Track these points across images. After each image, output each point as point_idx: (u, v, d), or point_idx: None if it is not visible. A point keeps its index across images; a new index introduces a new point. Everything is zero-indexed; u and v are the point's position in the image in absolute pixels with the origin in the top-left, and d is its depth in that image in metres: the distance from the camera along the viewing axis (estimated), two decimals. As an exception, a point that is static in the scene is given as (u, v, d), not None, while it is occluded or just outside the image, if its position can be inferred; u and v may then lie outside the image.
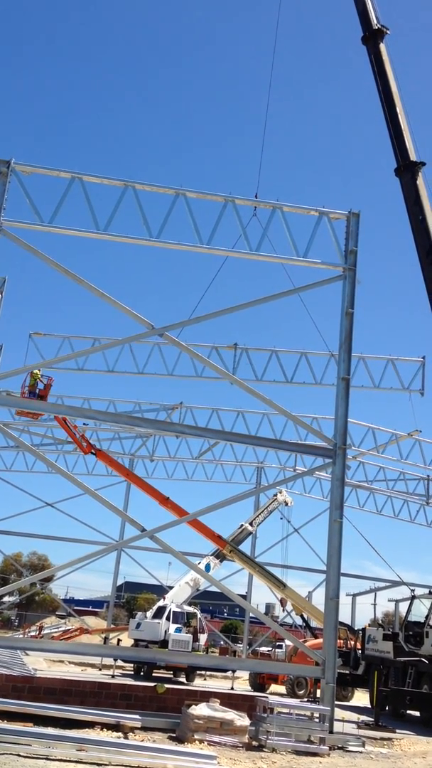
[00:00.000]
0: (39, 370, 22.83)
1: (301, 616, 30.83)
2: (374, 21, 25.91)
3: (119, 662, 28.43)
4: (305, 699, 25.30)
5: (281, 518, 32.98)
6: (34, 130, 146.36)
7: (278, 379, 26.88)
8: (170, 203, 18.30)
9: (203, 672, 30.42)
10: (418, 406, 27.74)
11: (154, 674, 26.49)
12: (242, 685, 29.08)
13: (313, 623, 30.31)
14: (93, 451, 26.99)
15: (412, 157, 24.54)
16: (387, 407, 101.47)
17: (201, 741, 13.41)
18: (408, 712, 23.91)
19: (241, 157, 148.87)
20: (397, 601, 36.52)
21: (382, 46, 25.74)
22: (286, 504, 32.72)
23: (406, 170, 24.44)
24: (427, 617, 24.56)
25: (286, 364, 26.80)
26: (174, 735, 14.00)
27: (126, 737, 13.19)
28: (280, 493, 32.09)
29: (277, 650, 32.13)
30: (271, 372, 26.81)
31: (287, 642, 28.32)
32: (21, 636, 40.97)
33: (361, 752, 15.09)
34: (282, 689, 28.37)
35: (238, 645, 40.62)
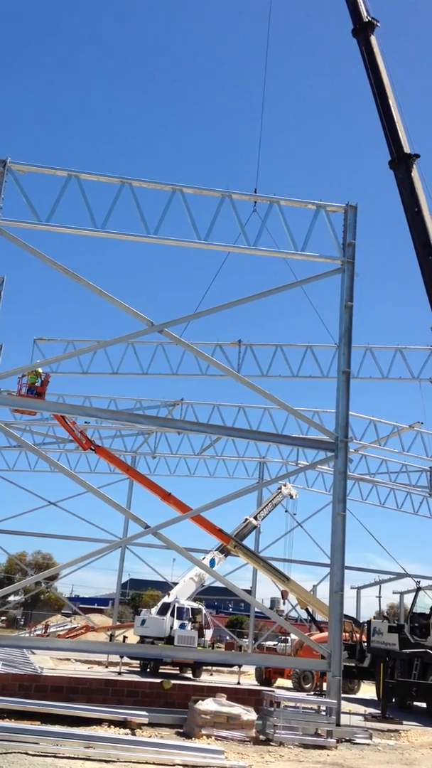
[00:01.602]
0: (41, 369, 22.81)
1: (306, 610, 30.89)
2: (364, 14, 25.81)
3: (125, 659, 28.53)
4: (312, 692, 25.36)
5: (286, 511, 33.03)
6: (29, 129, 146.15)
7: (284, 373, 26.83)
8: (167, 200, 18.26)
9: (209, 667, 30.50)
10: (426, 395, 27.49)
11: (160, 670, 26.58)
12: (248, 679, 29.16)
13: (318, 617, 30.38)
14: (92, 447, 26.99)
15: (406, 149, 24.38)
16: (392, 399, 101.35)
17: (208, 736, 13.43)
18: (414, 703, 23.94)
19: (237, 153, 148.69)
20: (401, 593, 36.57)
21: (373, 39, 25.59)
22: (291, 497, 32.73)
23: (400, 162, 24.30)
24: (431, 609, 24.58)
25: (291, 358, 26.76)
26: (181, 730, 14.03)
27: (133, 733, 13.22)
28: (285, 486, 32.11)
29: (283, 644, 32.17)
30: (276, 367, 26.77)
31: (293, 636, 28.39)
32: (27, 635, 41.08)
33: (368, 744, 15.11)
34: (288, 683, 28.41)
35: (244, 640, 40.67)
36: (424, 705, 23.12)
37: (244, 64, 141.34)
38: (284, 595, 29.99)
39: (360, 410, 30.71)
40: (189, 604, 29.29)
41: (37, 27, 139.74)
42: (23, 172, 17.92)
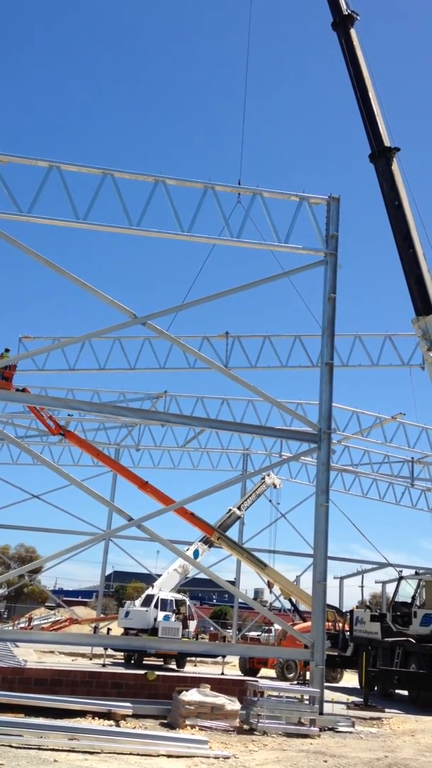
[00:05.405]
0: (8, 351, 22.62)
1: (290, 600, 31.07)
2: (344, 6, 25.76)
3: (109, 651, 28.56)
4: (295, 682, 25.56)
5: (269, 501, 33.14)
6: (10, 120, 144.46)
7: (273, 364, 26.75)
8: (150, 191, 18.17)
9: (193, 658, 30.61)
10: (417, 381, 27.14)
11: (144, 662, 26.62)
12: (232, 670, 29.30)
13: (302, 607, 30.55)
14: (61, 432, 26.76)
15: (386, 142, 24.37)
16: (381, 387, 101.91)
17: (192, 726, 13.48)
18: (396, 691, 24.21)
19: (221, 145, 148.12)
20: (384, 583, 36.84)
21: (353, 32, 25.52)
22: (275, 486, 32.83)
23: (381, 156, 24.32)
24: (413, 598, 24.83)
25: (280, 348, 26.70)
26: (165, 721, 14.08)
27: (118, 725, 13.24)
28: (268, 476, 32.19)
29: (266, 635, 32.37)
30: (265, 358, 26.71)
31: (276, 626, 28.54)
32: (10, 628, 40.96)
33: (351, 732, 15.25)
34: (272, 673, 28.62)
35: (228, 630, 40.82)
36: (405, 693, 23.40)
37: (228, 55, 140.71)
38: (270, 584, 30.13)
39: (350, 399, 30.95)
40: (173, 596, 29.36)
41: (18, 18, 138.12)
42: (4, 162, 17.74)
